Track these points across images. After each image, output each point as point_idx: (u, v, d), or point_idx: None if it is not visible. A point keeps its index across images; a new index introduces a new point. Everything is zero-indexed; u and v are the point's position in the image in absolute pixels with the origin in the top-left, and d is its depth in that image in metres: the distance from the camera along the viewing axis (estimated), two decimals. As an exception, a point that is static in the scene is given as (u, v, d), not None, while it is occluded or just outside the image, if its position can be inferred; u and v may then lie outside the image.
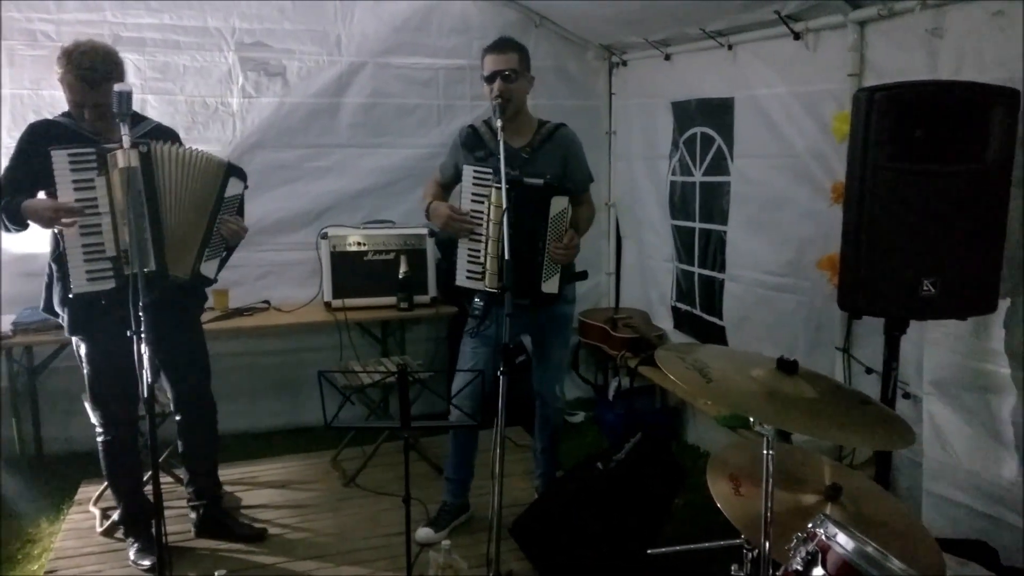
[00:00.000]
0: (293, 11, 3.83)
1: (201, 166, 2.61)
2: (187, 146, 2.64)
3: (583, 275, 3.09)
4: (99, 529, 3.07)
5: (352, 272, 3.86)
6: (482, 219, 2.77)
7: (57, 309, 2.68)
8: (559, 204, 2.77)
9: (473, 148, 2.92)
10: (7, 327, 3.35)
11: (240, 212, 2.77)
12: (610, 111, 4.48)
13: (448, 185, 3.04)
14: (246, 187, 2.76)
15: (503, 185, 2.51)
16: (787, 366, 1.73)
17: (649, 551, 2.19)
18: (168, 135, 2.75)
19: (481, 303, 2.90)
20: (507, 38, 2.91)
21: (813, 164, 3.02)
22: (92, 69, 2.46)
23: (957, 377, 2.40)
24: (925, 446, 2.49)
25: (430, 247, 3.95)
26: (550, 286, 2.82)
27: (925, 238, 2.11)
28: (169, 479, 3.22)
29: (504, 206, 2.50)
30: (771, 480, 1.66)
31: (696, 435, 4.01)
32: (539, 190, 2.74)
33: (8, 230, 2.52)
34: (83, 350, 2.71)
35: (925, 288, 2.13)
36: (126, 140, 2.22)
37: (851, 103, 2.23)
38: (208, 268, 2.71)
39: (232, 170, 2.70)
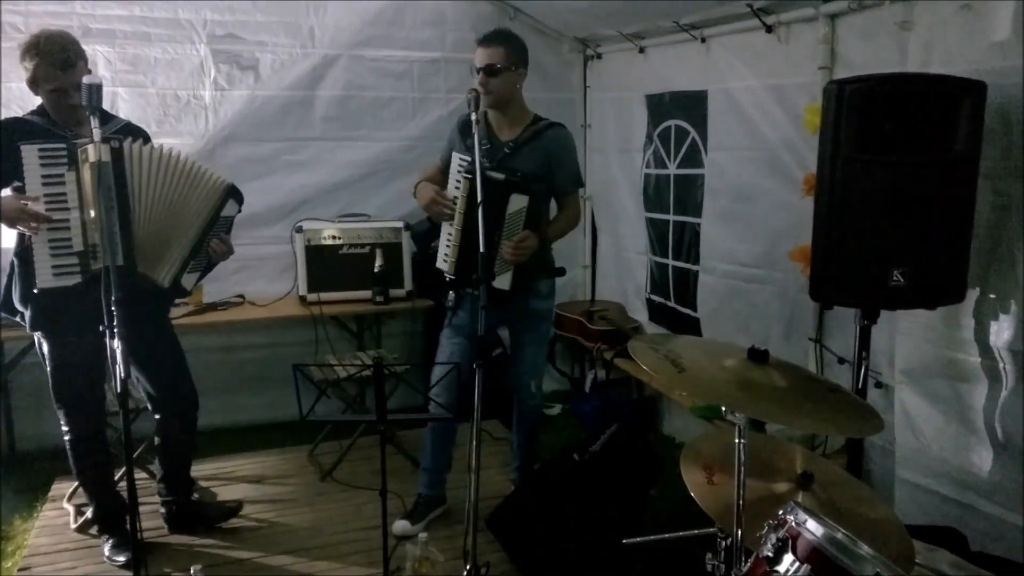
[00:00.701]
0: (265, 3, 3.79)
1: (184, 172, 2.60)
2: (181, 155, 2.63)
3: (560, 271, 3.05)
4: (73, 526, 3.04)
5: (327, 266, 3.84)
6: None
7: (18, 306, 2.63)
8: (517, 202, 2.72)
9: (466, 135, 2.89)
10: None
11: (228, 231, 2.79)
12: (585, 104, 4.49)
13: (447, 170, 3.00)
14: (239, 211, 2.78)
15: (478, 176, 2.49)
16: (758, 356, 1.75)
17: (624, 540, 2.21)
18: (138, 133, 2.72)
19: (453, 293, 2.91)
20: (498, 31, 2.88)
21: (785, 156, 3.05)
22: (63, 50, 2.45)
23: (928, 366, 2.44)
24: (897, 434, 2.53)
25: (405, 240, 3.94)
26: (502, 282, 2.78)
27: (894, 229, 2.13)
28: (143, 475, 3.19)
29: (480, 199, 2.48)
30: (743, 469, 1.68)
31: (672, 426, 4.04)
32: (498, 185, 2.69)
33: None
34: (46, 348, 2.67)
35: (894, 278, 2.15)
36: (96, 133, 2.19)
37: (822, 95, 2.25)
38: (188, 280, 2.71)
39: (232, 192, 2.72)
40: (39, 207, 2.37)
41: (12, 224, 2.42)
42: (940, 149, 2.13)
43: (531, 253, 2.76)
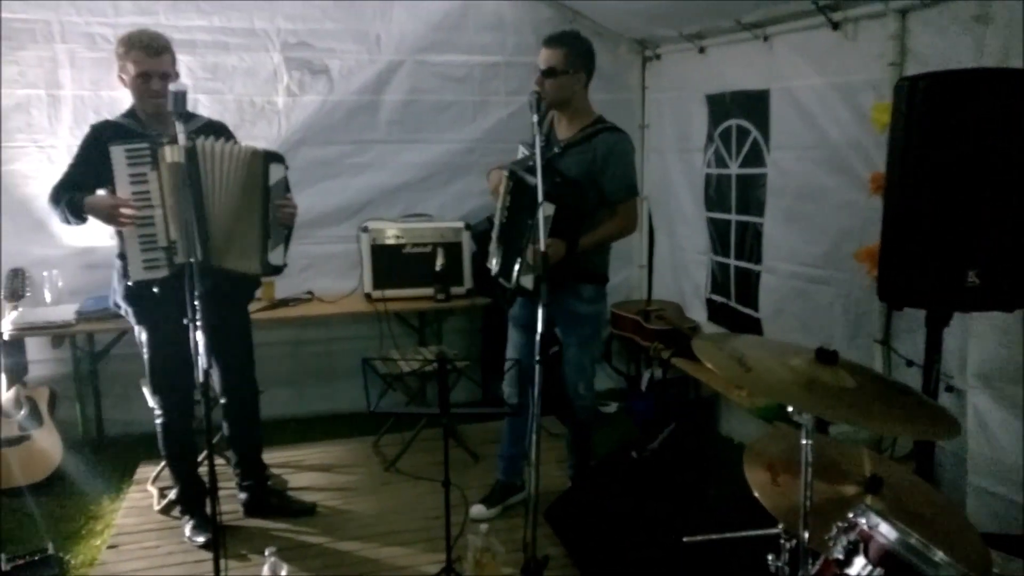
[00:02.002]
0: (334, 11, 3.91)
1: (243, 159, 2.68)
2: (228, 141, 2.71)
3: (603, 279, 2.95)
4: (157, 507, 3.20)
5: (391, 264, 3.93)
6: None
7: (120, 303, 2.80)
8: (544, 210, 2.59)
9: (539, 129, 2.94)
10: (71, 316, 3.50)
11: (288, 190, 2.82)
12: (643, 105, 4.48)
13: None
14: (287, 168, 2.79)
15: (539, 177, 2.43)
16: (826, 356, 1.72)
17: (685, 539, 2.22)
18: (218, 130, 2.83)
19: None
20: (560, 33, 2.87)
21: (851, 155, 3.00)
22: (153, 40, 2.64)
23: (1003, 370, 2.36)
24: (969, 440, 2.45)
25: (466, 240, 4.01)
26: (525, 282, 2.75)
27: (969, 228, 2.05)
28: (221, 461, 3.31)
29: (541, 197, 2.46)
30: (810, 469, 1.66)
31: (729, 427, 4.01)
32: (532, 190, 2.62)
33: (69, 223, 2.65)
34: (144, 337, 2.82)
35: (970, 279, 2.07)
36: (181, 137, 2.32)
37: (892, 92, 2.20)
38: (275, 256, 2.78)
39: (269, 157, 2.73)
40: (130, 207, 2.52)
41: (109, 220, 2.58)
42: (1018, 146, 2.05)
43: (555, 260, 2.67)
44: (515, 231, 2.75)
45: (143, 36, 2.64)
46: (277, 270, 2.83)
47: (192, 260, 2.26)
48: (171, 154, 2.44)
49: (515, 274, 2.73)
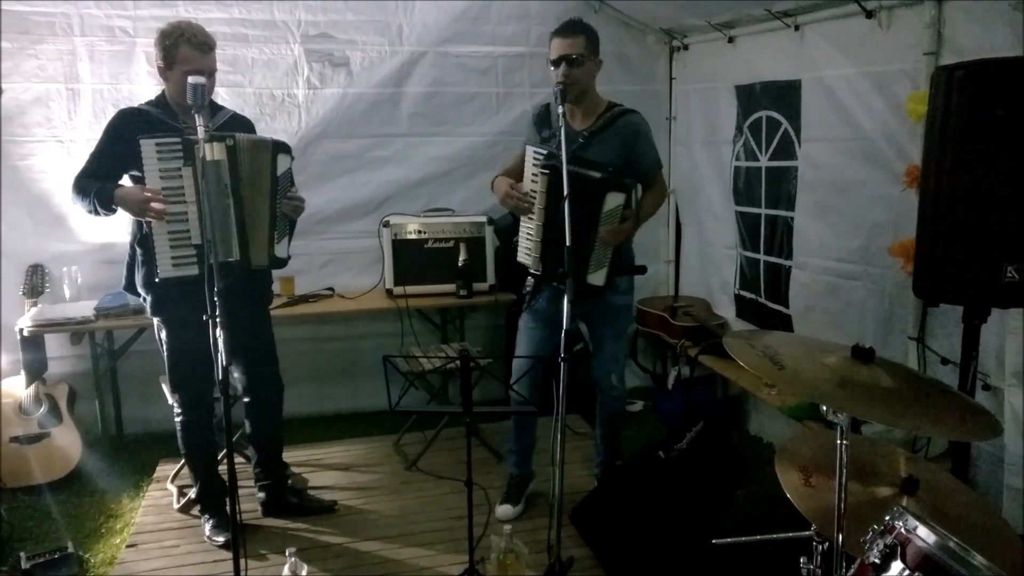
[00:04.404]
0: (356, 2, 3.88)
1: (259, 150, 2.65)
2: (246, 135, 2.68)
3: (641, 269, 3.01)
4: (176, 506, 3.19)
5: (413, 260, 3.91)
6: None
7: (140, 291, 2.77)
8: (614, 200, 2.70)
9: (541, 127, 2.92)
10: (90, 312, 3.50)
11: (292, 184, 2.79)
12: (671, 96, 4.41)
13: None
14: (292, 159, 2.77)
15: (564, 168, 2.40)
16: (863, 354, 1.68)
17: (715, 540, 2.17)
18: (244, 124, 2.82)
19: (532, 281, 2.96)
20: (575, 21, 2.86)
21: (885, 147, 2.92)
22: (204, 35, 2.62)
23: (1042, 368, 2.30)
24: (1007, 439, 2.40)
25: (489, 235, 3.97)
26: (596, 278, 2.79)
27: (1008, 222, 2.01)
28: (241, 460, 3.31)
29: (566, 192, 2.43)
30: (845, 471, 1.62)
31: (758, 426, 3.94)
32: (594, 183, 2.67)
33: (98, 213, 2.61)
34: (163, 334, 2.80)
35: (1008, 274, 2.03)
36: (201, 131, 2.29)
37: (928, 82, 2.15)
38: (280, 249, 2.77)
39: (278, 147, 2.69)
40: (160, 200, 2.50)
41: (140, 213, 2.55)
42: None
43: (629, 234, 2.83)
44: (575, 228, 2.43)
45: (194, 30, 2.61)
46: (282, 263, 2.81)
47: (216, 259, 2.20)
48: (211, 151, 2.38)
49: (588, 272, 2.75)
